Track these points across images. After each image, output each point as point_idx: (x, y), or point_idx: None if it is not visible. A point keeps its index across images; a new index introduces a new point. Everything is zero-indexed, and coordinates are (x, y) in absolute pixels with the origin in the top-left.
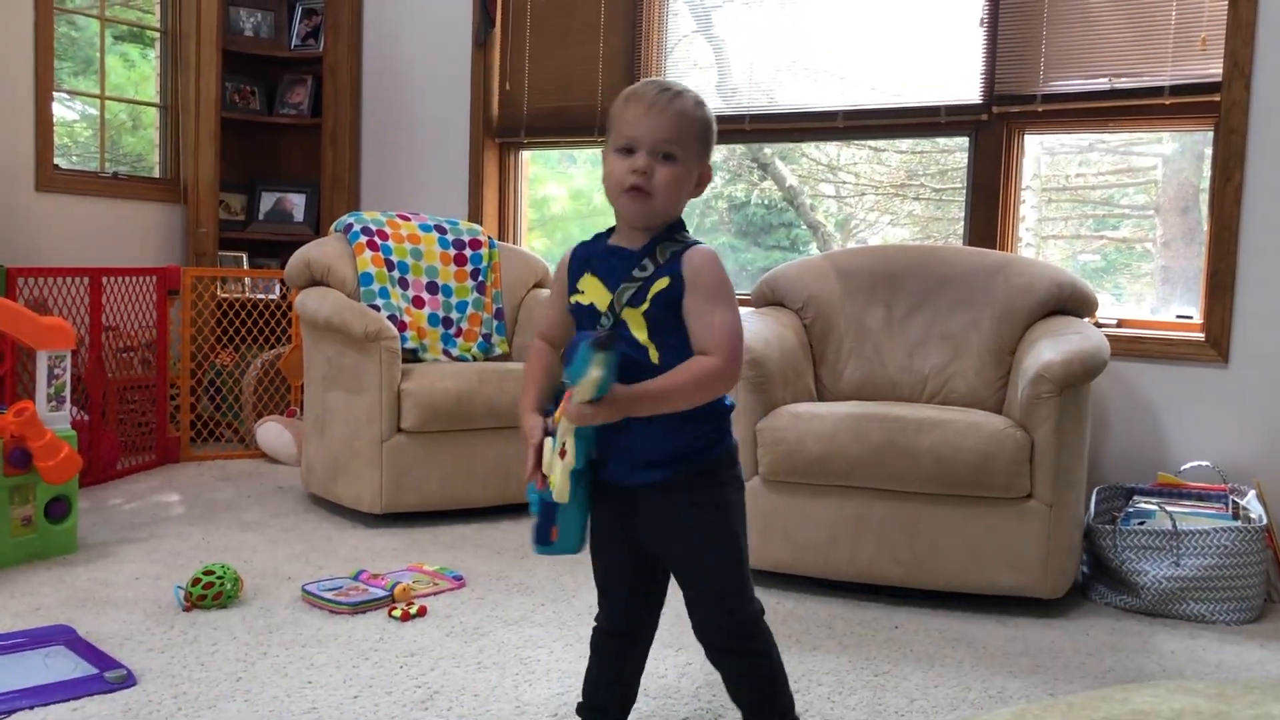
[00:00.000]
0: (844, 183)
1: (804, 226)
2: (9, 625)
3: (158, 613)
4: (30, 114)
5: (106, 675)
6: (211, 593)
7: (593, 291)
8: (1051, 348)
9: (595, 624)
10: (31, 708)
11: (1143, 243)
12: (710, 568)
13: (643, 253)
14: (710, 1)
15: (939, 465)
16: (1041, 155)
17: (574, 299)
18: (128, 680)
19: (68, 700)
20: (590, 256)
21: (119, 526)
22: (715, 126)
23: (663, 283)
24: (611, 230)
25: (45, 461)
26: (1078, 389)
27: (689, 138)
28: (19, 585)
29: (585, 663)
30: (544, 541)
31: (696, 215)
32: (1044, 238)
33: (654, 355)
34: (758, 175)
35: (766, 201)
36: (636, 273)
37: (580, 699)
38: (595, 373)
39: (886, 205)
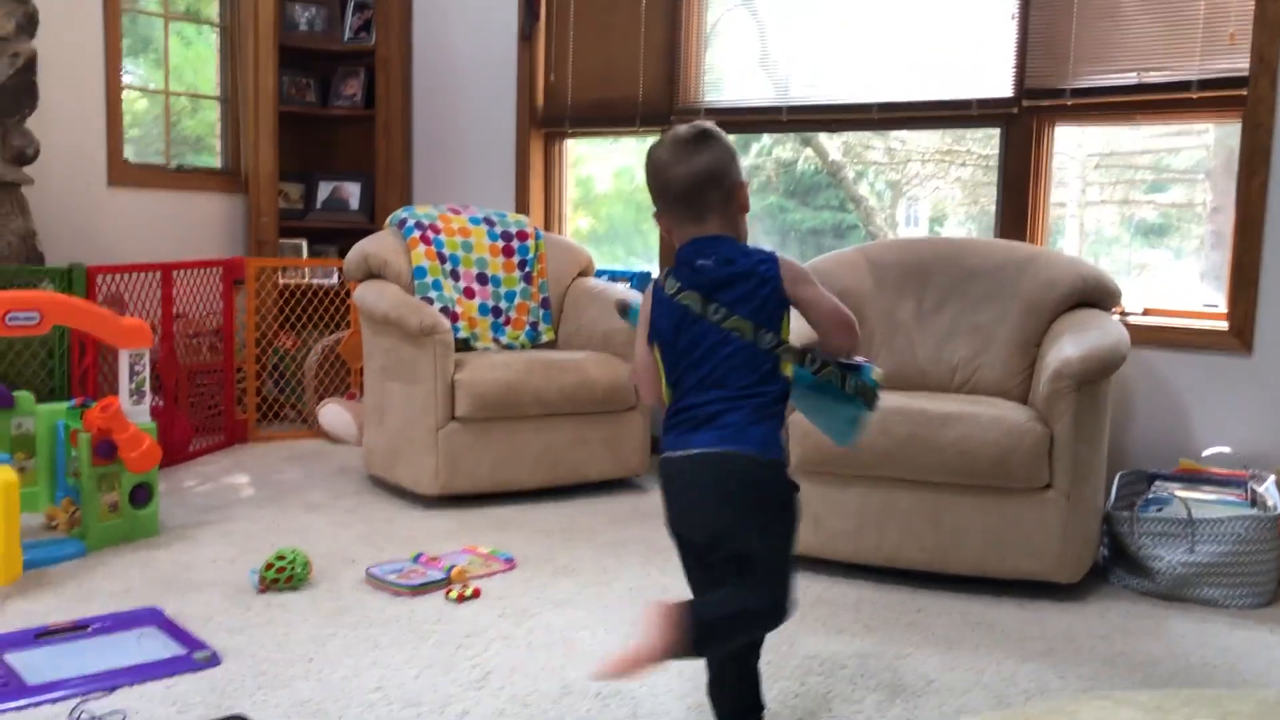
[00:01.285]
0: (891, 149)
1: (850, 205)
2: (104, 606)
3: (235, 594)
4: (101, 110)
5: (195, 655)
6: (284, 576)
7: None
8: (1073, 343)
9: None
10: (130, 685)
11: (1193, 206)
12: None
13: None
14: None
15: (962, 458)
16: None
17: None
18: (213, 660)
19: (161, 679)
20: None
21: (194, 509)
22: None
23: None
24: None
25: (129, 452)
26: (1096, 385)
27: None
28: (110, 568)
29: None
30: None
31: (745, 175)
32: (1088, 204)
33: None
34: (800, 144)
35: (815, 165)
36: None
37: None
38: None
39: (933, 173)
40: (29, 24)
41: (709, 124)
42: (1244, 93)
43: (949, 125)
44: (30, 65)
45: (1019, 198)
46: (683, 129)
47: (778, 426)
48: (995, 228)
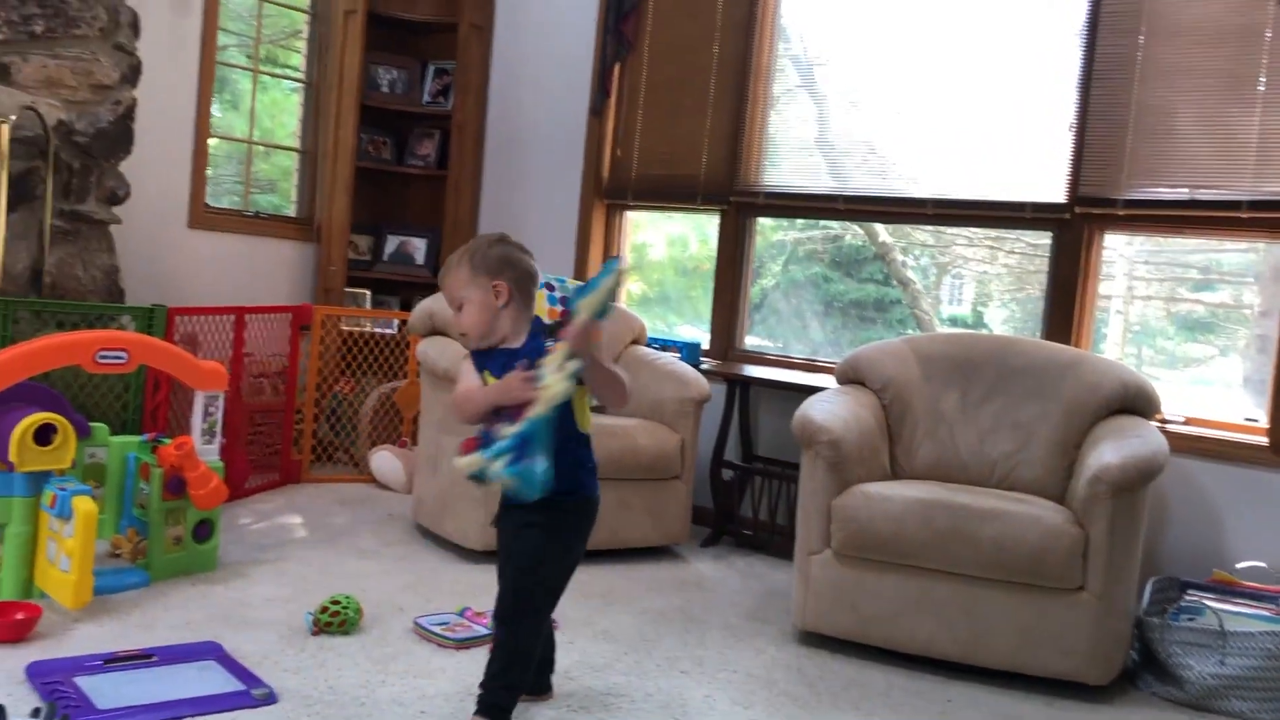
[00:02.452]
0: (938, 230)
1: (895, 283)
2: (165, 637)
3: (290, 635)
4: (189, 156)
5: (253, 692)
6: (337, 621)
7: (489, 378)
8: (1112, 449)
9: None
10: (192, 716)
11: (1240, 308)
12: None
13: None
14: (816, 68)
15: (999, 554)
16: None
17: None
18: (270, 698)
19: (222, 712)
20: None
21: (250, 547)
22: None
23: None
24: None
25: (198, 490)
26: (1134, 491)
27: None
28: (171, 599)
29: (664, 713)
30: (525, 468)
31: (789, 245)
32: (1134, 298)
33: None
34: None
35: (861, 239)
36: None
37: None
38: (611, 282)
39: (980, 255)
40: (132, 74)
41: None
42: None
43: (1002, 225)
44: (130, 112)
45: (1066, 299)
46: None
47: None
48: (1041, 327)
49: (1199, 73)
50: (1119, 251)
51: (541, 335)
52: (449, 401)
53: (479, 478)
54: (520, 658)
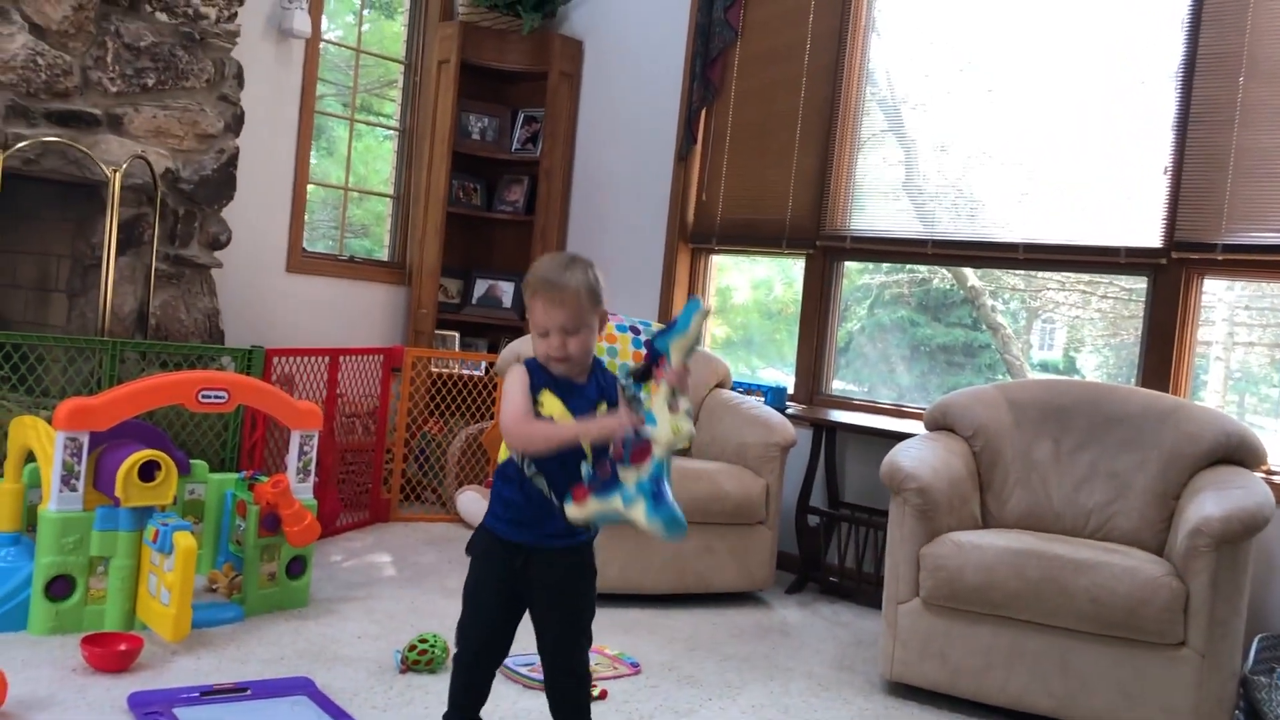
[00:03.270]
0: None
1: (984, 327)
2: (258, 671)
3: (378, 672)
4: (288, 202)
5: None
6: (425, 659)
7: (551, 406)
8: (1214, 500)
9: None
10: None
11: None
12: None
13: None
14: (904, 111)
15: (1094, 606)
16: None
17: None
18: None
19: None
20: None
21: (341, 584)
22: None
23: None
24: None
25: (292, 527)
26: (1237, 545)
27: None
28: (264, 634)
29: None
30: (670, 510)
31: (875, 288)
32: (1235, 344)
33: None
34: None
35: (950, 282)
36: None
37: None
38: (698, 322)
39: (1073, 300)
40: (235, 123)
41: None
42: None
43: (1096, 270)
44: (232, 160)
45: (1164, 346)
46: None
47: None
48: (1137, 374)
49: None
50: (1219, 296)
51: (613, 375)
52: (505, 420)
53: (591, 522)
54: None
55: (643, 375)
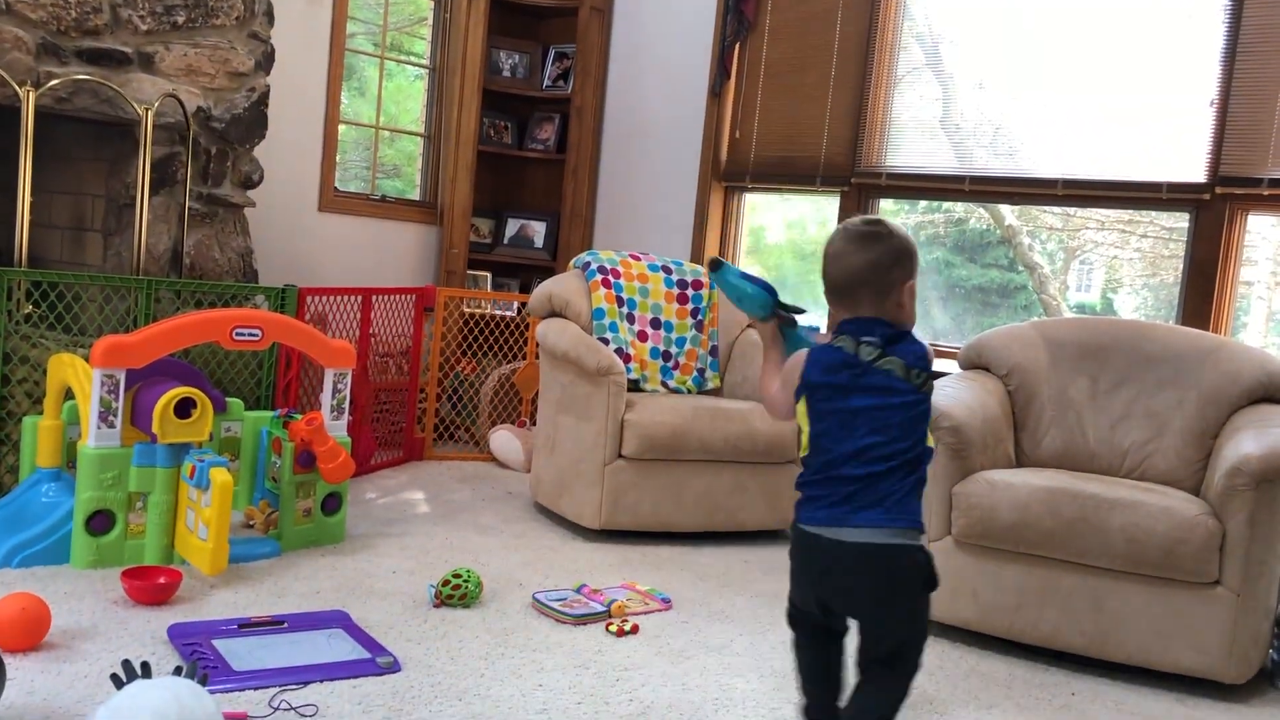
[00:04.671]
0: (1068, 213)
1: (1021, 268)
2: (295, 605)
3: (413, 606)
4: (319, 141)
5: (378, 660)
6: (459, 594)
7: None
8: (1253, 439)
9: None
10: (321, 681)
11: None
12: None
13: None
14: (941, 44)
15: (1129, 545)
16: None
17: None
18: (395, 666)
19: (349, 679)
20: None
21: (375, 521)
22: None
23: None
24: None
25: (327, 464)
26: (1276, 484)
27: None
28: (300, 569)
29: (779, 696)
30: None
31: (911, 228)
32: (1278, 285)
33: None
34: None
35: (986, 223)
36: None
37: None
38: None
39: (1111, 239)
40: (266, 61)
41: (882, 222)
42: None
43: (1137, 206)
44: (264, 99)
45: (1205, 284)
46: (855, 224)
47: (921, 491)
48: (1177, 312)
49: None
50: (1263, 235)
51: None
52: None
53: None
54: None
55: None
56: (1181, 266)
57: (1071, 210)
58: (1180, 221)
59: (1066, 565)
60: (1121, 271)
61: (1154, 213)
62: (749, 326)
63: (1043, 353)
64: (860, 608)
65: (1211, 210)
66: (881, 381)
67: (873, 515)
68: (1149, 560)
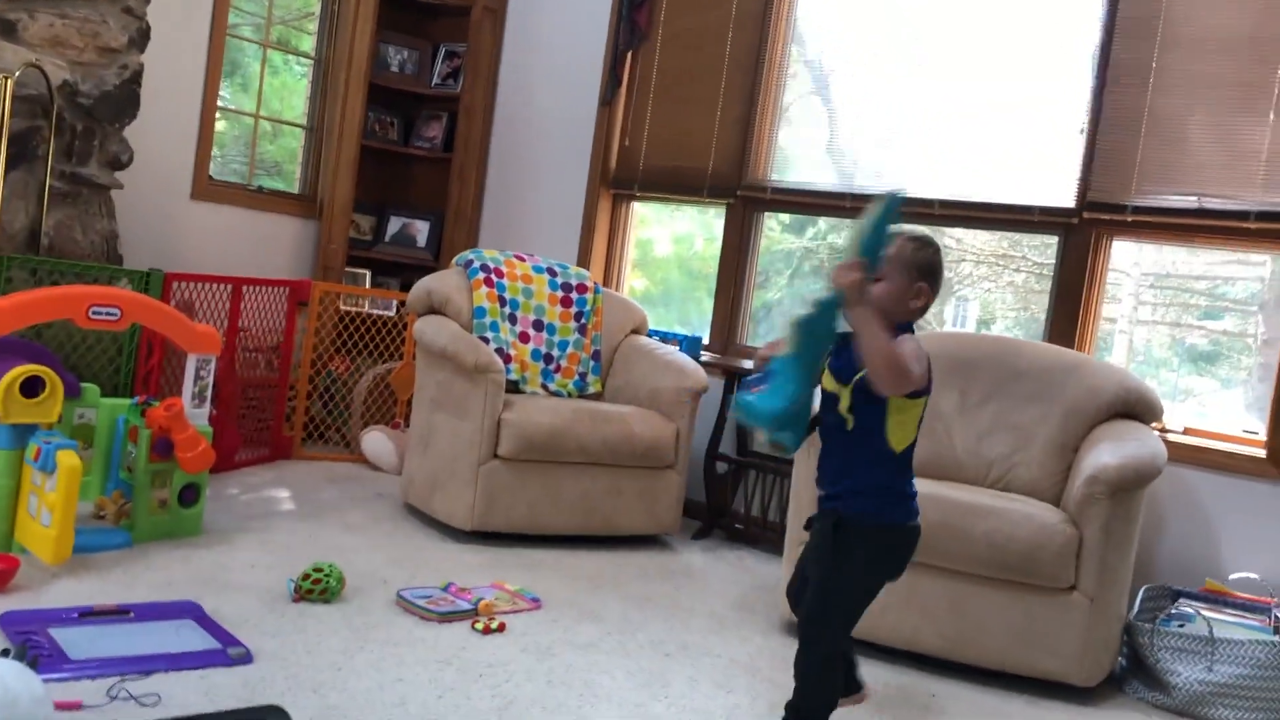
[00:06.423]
0: (947, 247)
1: None
2: (145, 596)
3: (270, 600)
4: (194, 127)
5: (230, 651)
6: (319, 588)
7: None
8: (1110, 451)
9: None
10: (166, 671)
11: (1244, 337)
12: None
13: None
14: (828, 66)
15: (991, 550)
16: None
17: None
18: (246, 658)
19: (196, 669)
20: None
21: (237, 516)
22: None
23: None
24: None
25: (185, 453)
26: (1130, 494)
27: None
28: (153, 560)
29: (644, 692)
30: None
31: (796, 259)
32: (1139, 322)
33: (850, 423)
34: None
35: None
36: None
37: None
38: (879, 212)
39: (986, 274)
40: (140, 39)
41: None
42: None
43: (1009, 229)
44: (136, 77)
45: (1071, 305)
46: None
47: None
48: (1045, 332)
49: (1212, 82)
50: (1126, 271)
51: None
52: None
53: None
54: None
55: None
56: (1050, 287)
57: (950, 244)
58: (1052, 252)
59: (930, 569)
60: (995, 308)
61: (1028, 249)
62: (633, 333)
63: None
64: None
65: (1079, 234)
66: None
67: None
68: (1010, 565)
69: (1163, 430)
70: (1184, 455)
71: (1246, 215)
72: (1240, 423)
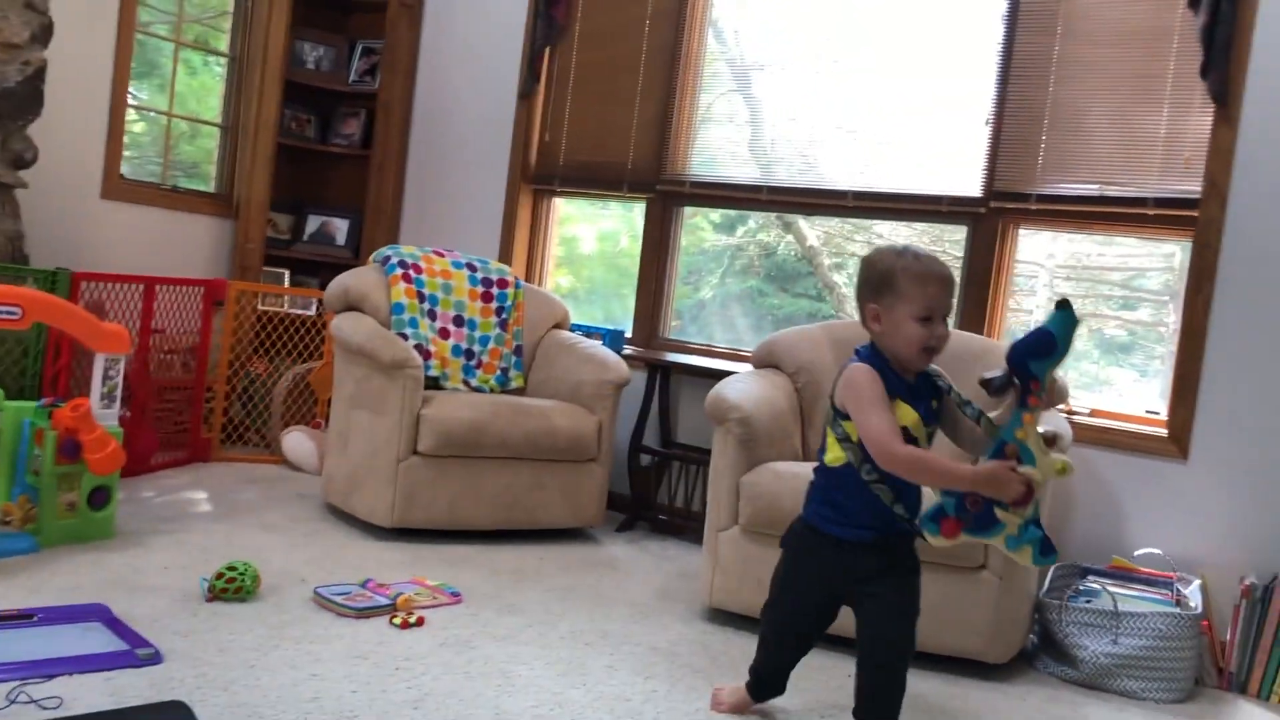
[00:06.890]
0: (868, 244)
1: (827, 298)
2: (51, 601)
3: (183, 600)
4: (104, 125)
5: (138, 652)
6: (233, 587)
7: (905, 415)
8: None
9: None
10: (70, 674)
11: (1158, 327)
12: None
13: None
14: (748, 64)
15: None
16: (1062, 235)
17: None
18: (155, 658)
19: (102, 670)
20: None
21: (151, 518)
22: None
23: None
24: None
25: (93, 454)
26: None
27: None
28: (60, 565)
29: (563, 681)
30: (1052, 551)
31: (727, 258)
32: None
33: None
34: (782, 230)
35: (796, 252)
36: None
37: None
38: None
39: None
40: (44, 34)
41: (874, 248)
42: (1196, 214)
43: (919, 219)
44: (39, 74)
45: (980, 293)
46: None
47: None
48: (956, 319)
49: (1111, 72)
50: (1041, 264)
51: (986, 390)
52: (878, 439)
53: None
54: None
55: (1001, 389)
56: (960, 275)
57: (873, 239)
58: (961, 237)
59: None
60: None
61: (949, 244)
62: (555, 327)
63: (829, 353)
64: None
65: (986, 223)
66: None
67: None
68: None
69: (1069, 412)
70: (1090, 436)
71: (1145, 202)
72: (1145, 401)
